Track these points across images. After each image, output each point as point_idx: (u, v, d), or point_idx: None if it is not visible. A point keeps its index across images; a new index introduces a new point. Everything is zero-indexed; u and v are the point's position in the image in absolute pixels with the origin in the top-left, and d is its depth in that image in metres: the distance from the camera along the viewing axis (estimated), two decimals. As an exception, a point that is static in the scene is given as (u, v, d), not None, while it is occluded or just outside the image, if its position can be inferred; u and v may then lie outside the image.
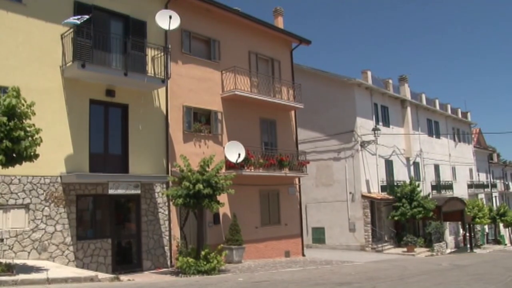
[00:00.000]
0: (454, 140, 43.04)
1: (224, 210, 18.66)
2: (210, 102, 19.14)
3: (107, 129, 15.50)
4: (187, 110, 18.16)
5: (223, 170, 17.37)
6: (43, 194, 13.60)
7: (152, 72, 16.02)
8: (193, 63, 18.70)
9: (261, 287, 12.02)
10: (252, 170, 19.49)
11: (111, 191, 14.17)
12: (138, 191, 15.04)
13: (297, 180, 23.09)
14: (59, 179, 13.95)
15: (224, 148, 18.82)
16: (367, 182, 28.66)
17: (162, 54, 16.17)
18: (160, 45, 16.38)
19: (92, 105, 15.00)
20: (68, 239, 13.90)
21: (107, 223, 15.10)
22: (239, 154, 18.46)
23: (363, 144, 28.67)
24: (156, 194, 16.37)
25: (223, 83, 19.74)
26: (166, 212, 16.60)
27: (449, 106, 43.14)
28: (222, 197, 16.57)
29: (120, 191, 14.44)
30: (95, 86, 14.96)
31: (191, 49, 18.73)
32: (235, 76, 19.67)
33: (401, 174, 32.31)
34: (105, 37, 15.08)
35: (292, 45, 23.95)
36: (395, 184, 30.34)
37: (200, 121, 18.82)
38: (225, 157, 18.43)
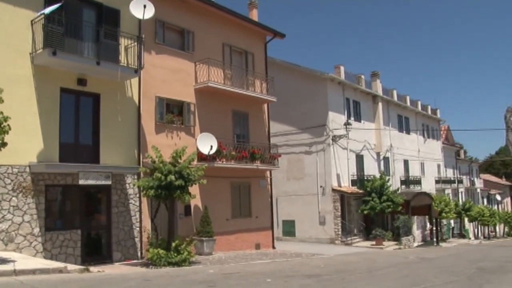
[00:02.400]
0: (424, 136, 43.83)
1: (196, 202, 18.62)
2: (183, 94, 19.02)
3: (78, 119, 15.23)
4: (160, 101, 18.01)
5: (195, 162, 17.32)
6: (10, 184, 13.31)
7: (125, 62, 15.78)
8: (166, 53, 18.53)
9: (231, 279, 12.05)
10: (224, 162, 19.49)
11: (81, 182, 13.97)
12: (109, 182, 14.86)
13: (268, 173, 23.19)
14: (27, 169, 13.66)
15: (196, 139, 18.74)
16: (338, 176, 28.96)
17: (136, 43, 15.96)
18: (134, 35, 16.14)
19: (63, 93, 14.70)
20: (36, 230, 13.66)
21: (76, 214, 14.89)
22: (211, 146, 18.42)
23: (335, 139, 28.93)
24: (127, 185, 16.21)
25: (196, 74, 19.63)
26: (137, 203, 16.46)
27: (419, 103, 43.84)
28: (194, 189, 16.55)
29: (90, 182, 14.25)
30: (66, 75, 14.67)
31: (165, 40, 18.57)
32: (208, 67, 19.57)
33: (371, 169, 32.75)
34: (77, 24, 14.76)
35: (266, 38, 23.95)
36: (365, 178, 30.73)
37: (172, 112, 18.70)
38: (197, 148, 18.35)
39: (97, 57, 14.78)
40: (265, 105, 23.36)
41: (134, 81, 16.69)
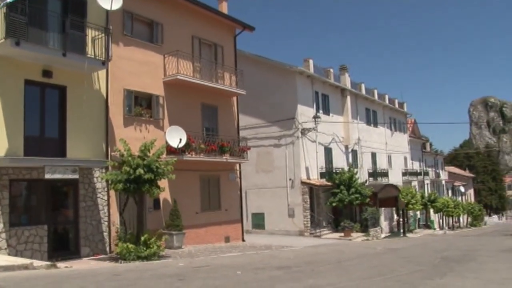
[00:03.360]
0: (391, 129, 44.51)
1: (165, 195, 18.49)
2: (152, 86, 18.81)
3: (43, 112, 14.87)
4: (128, 93, 17.76)
5: (164, 155, 17.17)
6: (-27, 178, 12.95)
7: (92, 54, 15.47)
8: (135, 45, 18.27)
9: (201, 272, 12.04)
10: (193, 156, 19.39)
11: (47, 176, 13.70)
12: (76, 176, 14.62)
13: (237, 166, 23.19)
14: (-9, 163, 13.31)
15: (165, 133, 18.60)
16: (307, 168, 29.18)
17: (103, 35, 15.65)
18: (101, 26, 15.82)
19: (28, 85, 14.33)
20: (0, 226, 13.32)
21: (42, 209, 14.58)
22: (180, 139, 18.32)
23: (304, 132, 29.11)
24: (95, 179, 15.96)
25: (165, 67, 19.43)
26: (105, 198, 16.24)
27: (386, 97, 44.46)
28: (163, 182, 16.42)
29: (57, 176, 13.99)
30: (31, 66, 14.31)
31: (133, 31, 18.29)
32: (177, 60, 19.39)
33: (340, 161, 33.11)
34: (42, 14, 14.38)
35: (236, 31, 23.87)
36: (334, 171, 31.06)
37: (141, 105, 18.47)
38: (166, 142, 18.23)
39: (63, 48, 14.43)
40: (235, 98, 23.32)
41: (102, 73, 16.42)
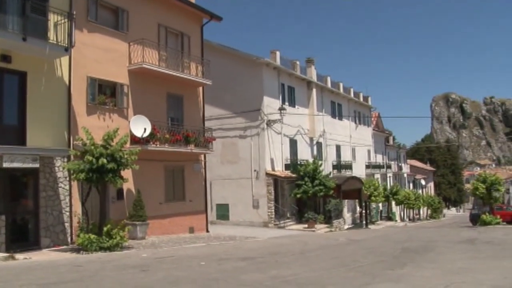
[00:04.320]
0: (355, 123, 45.08)
1: (128, 185, 18.23)
2: (116, 74, 18.46)
3: (1, 98, 14.32)
4: (92, 81, 17.37)
5: (128, 145, 16.95)
6: None
7: (55, 39, 15.03)
8: (99, 32, 17.85)
9: (165, 262, 11.97)
10: (158, 146, 19.18)
11: (5, 164, 13.33)
12: (37, 165, 14.27)
13: (202, 156, 23.07)
14: None
15: (129, 122, 18.34)
16: (272, 160, 29.28)
17: (66, 20, 15.21)
18: (64, 11, 15.35)
19: (-15, 71, 13.85)
20: (-44, 215, 12.89)
21: (0, 199, 14.13)
22: (145, 129, 18.12)
23: (269, 123, 29.16)
24: (56, 168, 15.58)
25: (130, 55, 19.09)
26: (67, 187, 15.89)
27: (351, 90, 44.95)
28: (126, 173, 16.21)
29: (16, 165, 13.63)
30: (-11, 50, 13.81)
31: (98, 18, 17.86)
32: (143, 48, 19.07)
33: (305, 153, 33.36)
34: (1, -3, 13.87)
35: (203, 20, 23.62)
36: (299, 163, 31.25)
37: (105, 94, 18.10)
38: (130, 131, 17.99)
39: (23, 32, 13.88)
40: (200, 89, 23.14)
41: (64, 59, 16.00)
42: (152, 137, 18.71)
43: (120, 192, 18.16)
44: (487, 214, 31.10)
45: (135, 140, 18.15)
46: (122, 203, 18.33)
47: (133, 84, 19.10)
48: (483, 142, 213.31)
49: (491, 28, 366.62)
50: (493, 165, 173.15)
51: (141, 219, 17.99)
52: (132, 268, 10.93)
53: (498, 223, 30.02)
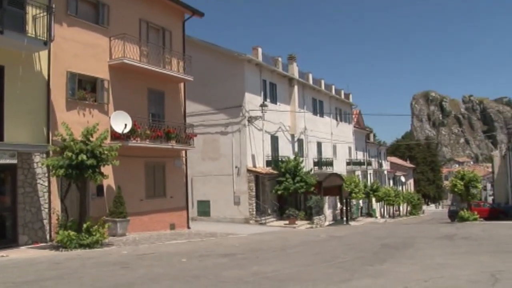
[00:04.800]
0: (336, 120, 45.31)
1: (108, 182, 18.09)
2: (97, 69, 18.25)
3: (-22, 92, 14.14)
4: (71, 76, 17.15)
5: (108, 141, 16.78)
6: None
7: (33, 33, 14.80)
8: (79, 26, 17.62)
9: (145, 259, 11.92)
10: (138, 142, 19.04)
11: (-17, 160, 13.08)
12: (15, 161, 14.06)
13: (183, 153, 22.97)
14: None
15: (110, 118, 18.16)
16: (253, 156, 29.30)
17: (45, 14, 14.99)
18: (43, 4, 15.11)
19: (-39, 64, 13.57)
20: None
21: (-23, 194, 13.92)
22: (126, 125, 17.97)
23: (250, 120, 29.15)
24: (35, 164, 15.35)
25: (111, 50, 18.89)
26: (46, 184, 15.66)
27: (333, 87, 45.13)
28: (107, 169, 16.07)
29: (-7, 160, 13.38)
30: (-35, 44, 13.54)
31: (78, 12, 17.61)
32: (124, 43, 18.88)
33: (286, 150, 33.44)
34: (-23, -10, 13.59)
35: (185, 16, 23.47)
36: (280, 159, 31.33)
37: (85, 89, 17.89)
38: (111, 127, 17.82)
39: (0, 25, 13.68)
40: (182, 84, 23.02)
41: (43, 54, 15.76)
42: (132, 133, 18.56)
43: (100, 189, 18.00)
44: (465, 210, 31.54)
45: (115, 136, 17.99)
46: (102, 199, 18.17)
47: (114, 80, 18.91)
48: (462, 140, 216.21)
49: (470, 28, 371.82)
50: (471, 163, 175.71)
51: (122, 215, 17.86)
52: (113, 265, 10.85)
53: (475, 219, 30.48)
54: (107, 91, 18.61)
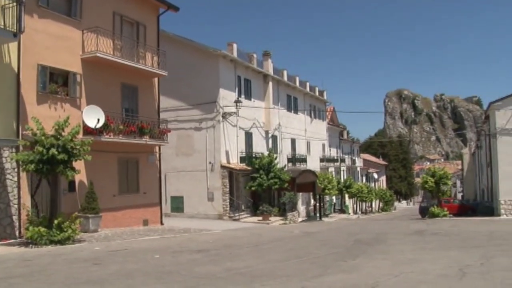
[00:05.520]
0: (311, 117, 45.52)
1: (80, 177, 17.82)
2: (69, 63, 17.92)
3: None
4: (43, 69, 16.80)
5: (80, 135, 16.51)
6: None
7: (2, 24, 14.45)
8: (51, 18, 17.24)
9: (118, 255, 11.81)
10: (111, 137, 18.80)
11: (-50, 154, 12.73)
12: (-17, 155, 13.70)
13: (157, 148, 22.79)
14: None
15: (82, 112, 17.87)
16: (227, 152, 29.25)
17: (15, 4, 14.64)
18: (13, -5, 14.80)
19: None
20: None
21: None
22: (98, 119, 17.72)
23: (225, 116, 29.08)
24: (4, 159, 15.02)
25: (84, 43, 18.57)
26: (15, 179, 15.33)
27: (307, 84, 45.31)
28: (78, 164, 15.83)
29: (-39, 154, 13.03)
30: None
31: (49, 3, 17.21)
32: (97, 37, 18.58)
33: (260, 146, 33.48)
34: None
35: (160, 10, 23.21)
36: (254, 155, 31.36)
37: (56, 82, 17.56)
38: (83, 121, 17.55)
39: (-31, 17, 13.34)
40: (156, 79, 22.80)
41: (13, 46, 15.38)
42: (105, 128, 18.32)
43: (71, 184, 17.72)
44: (435, 206, 32.17)
45: (88, 130, 17.72)
46: (74, 195, 17.91)
47: (87, 73, 18.61)
48: (433, 138, 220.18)
49: (442, 27, 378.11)
50: (442, 160, 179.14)
51: (94, 211, 17.62)
52: (84, 261, 10.72)
53: (445, 215, 31.12)
54: (79, 85, 18.30)
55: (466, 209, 36.25)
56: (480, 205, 37.45)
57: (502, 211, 30.48)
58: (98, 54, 18.37)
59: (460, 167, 78.17)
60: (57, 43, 17.39)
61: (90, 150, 15.00)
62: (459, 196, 76.12)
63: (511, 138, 30.74)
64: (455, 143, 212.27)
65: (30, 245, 13.65)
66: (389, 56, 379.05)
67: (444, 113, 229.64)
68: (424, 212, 35.10)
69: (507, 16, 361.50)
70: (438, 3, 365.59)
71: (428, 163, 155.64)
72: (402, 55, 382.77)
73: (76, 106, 18.10)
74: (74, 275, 8.96)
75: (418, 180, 79.66)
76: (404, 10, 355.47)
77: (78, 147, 14.53)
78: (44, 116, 15.65)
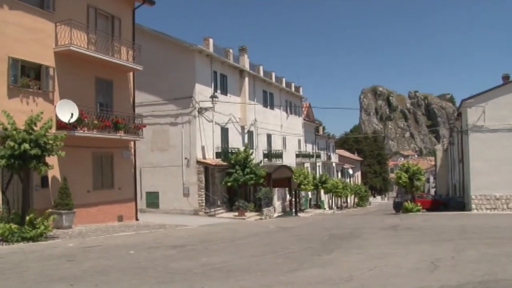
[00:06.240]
0: (286, 112, 45.62)
1: (54, 172, 17.54)
2: (42, 56, 17.58)
3: None
4: (14, 62, 16.44)
5: (53, 130, 16.22)
6: None
7: (-28, 16, 14.11)
8: (22, 10, 16.86)
9: (92, 252, 11.68)
10: (86, 131, 18.54)
11: None
12: (-48, 150, 13.37)
13: (132, 143, 22.58)
14: None
15: (55, 106, 17.57)
16: (203, 148, 29.15)
17: (-15, -3, 14.31)
18: (-17, -13, 14.45)
19: None
20: None
21: None
22: (72, 114, 17.44)
23: (201, 111, 28.96)
24: (-26, 153, 14.66)
25: (57, 36, 18.23)
26: (-14, 174, 15.01)
27: (283, 80, 45.41)
28: (52, 159, 15.57)
29: None
30: None
31: (21, -5, 16.88)
32: (71, 30, 18.26)
33: (236, 142, 33.44)
34: None
35: (135, 4, 22.92)
36: (230, 151, 31.31)
37: (28, 76, 17.22)
38: (56, 116, 17.25)
39: None
40: (131, 74, 22.55)
41: (-17, 38, 15.04)
42: (79, 123, 18.05)
43: (44, 180, 17.43)
44: (409, 202, 32.61)
45: (61, 125, 17.43)
46: (47, 191, 17.62)
47: (60, 67, 18.29)
48: (407, 134, 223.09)
49: (416, 25, 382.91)
50: (416, 156, 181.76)
51: (68, 207, 17.37)
52: (58, 258, 10.56)
53: (418, 210, 31.60)
54: (52, 78, 17.98)
55: (438, 204, 36.86)
56: (452, 200, 38.13)
57: (473, 206, 31.09)
58: (71, 48, 18.07)
59: (433, 163, 79.35)
60: (29, 36, 17.04)
61: (63, 145, 14.77)
62: (432, 191, 77.31)
63: (482, 135, 31.35)
64: (428, 139, 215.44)
65: (1, 243, 13.36)
66: (364, 53, 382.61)
67: (418, 110, 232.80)
68: (398, 207, 35.59)
69: (480, 14, 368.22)
70: (413, 0, 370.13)
71: (402, 159, 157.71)
72: (377, 52, 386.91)
73: (49, 100, 17.78)
74: (47, 272, 8.81)
75: (392, 175, 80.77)
76: (380, 7, 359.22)
77: (51, 142, 14.28)
78: (15, 110, 15.32)
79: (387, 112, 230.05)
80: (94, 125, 18.92)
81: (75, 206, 17.71)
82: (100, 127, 19.24)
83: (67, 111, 17.37)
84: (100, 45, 20.12)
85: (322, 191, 52.60)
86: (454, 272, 8.46)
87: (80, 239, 14.69)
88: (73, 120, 17.45)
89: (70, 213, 17.47)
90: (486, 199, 30.98)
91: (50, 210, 16.10)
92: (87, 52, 18.93)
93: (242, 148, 31.76)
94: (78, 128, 18.08)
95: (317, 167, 55.92)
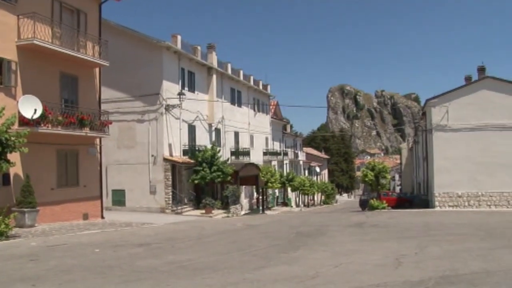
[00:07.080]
0: (254, 110, 45.68)
1: (16, 170, 17.10)
2: (3, 50, 17.08)
3: None
4: (-26, 56, 15.98)
5: (16, 126, 15.85)
6: None
7: None
8: (-17, 3, 16.42)
9: (57, 251, 11.47)
10: (50, 128, 18.16)
11: None
12: None
13: (98, 140, 22.24)
14: None
15: (18, 102, 17.12)
16: (170, 145, 28.94)
17: None
18: None
19: None
20: None
21: None
22: (35, 110, 17.03)
23: (168, 108, 28.74)
24: None
25: (19, 29, 17.75)
26: None
27: (251, 78, 45.43)
28: (14, 156, 15.22)
29: None
30: None
31: (-19, -13, 16.41)
32: (34, 23, 17.81)
33: (203, 139, 33.31)
34: None
35: (101, -2, 22.56)
36: (197, 148, 31.18)
37: (-11, 70, 16.75)
38: (19, 112, 16.83)
39: None
40: (97, 69, 22.18)
41: None
42: (43, 119, 17.65)
43: (6, 177, 16.99)
44: (374, 199, 33.16)
45: (24, 121, 17.01)
46: (8, 188, 17.18)
47: (23, 61, 17.83)
48: (374, 133, 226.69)
49: (382, 25, 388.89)
50: (382, 154, 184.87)
51: (30, 205, 16.95)
52: (20, 257, 10.32)
53: (384, 208, 32.16)
54: (14, 73, 17.52)
55: (403, 201, 37.56)
56: (417, 198, 38.94)
57: (437, 203, 31.82)
58: (35, 42, 17.63)
59: (398, 161, 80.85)
60: (-10, 29, 16.56)
61: (26, 141, 14.47)
62: (397, 189, 78.76)
63: (446, 134, 32.11)
64: (394, 138, 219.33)
65: (-40, 241, 13.00)
66: (332, 52, 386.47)
67: (384, 109, 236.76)
68: (364, 205, 36.13)
69: (445, 16, 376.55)
70: (380, 1, 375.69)
71: (369, 157, 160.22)
72: (345, 51, 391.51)
73: (11, 95, 17.33)
74: (8, 272, 8.60)
75: (359, 173, 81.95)
76: (346, 6, 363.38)
77: (13, 138, 13.97)
78: (-24, 106, 14.89)
79: (354, 111, 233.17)
80: (59, 121, 18.54)
81: (38, 204, 17.30)
82: (65, 123, 18.86)
83: (31, 107, 16.96)
84: (65, 40, 19.70)
85: (289, 189, 52.92)
86: (417, 268, 8.65)
87: (44, 238, 14.39)
88: (36, 116, 17.04)
89: (33, 211, 17.06)
90: (448, 196, 31.76)
91: (12, 208, 15.72)
92: (51, 47, 18.52)
93: (209, 146, 31.67)
94: (42, 125, 17.68)
95: (285, 165, 56.20)
